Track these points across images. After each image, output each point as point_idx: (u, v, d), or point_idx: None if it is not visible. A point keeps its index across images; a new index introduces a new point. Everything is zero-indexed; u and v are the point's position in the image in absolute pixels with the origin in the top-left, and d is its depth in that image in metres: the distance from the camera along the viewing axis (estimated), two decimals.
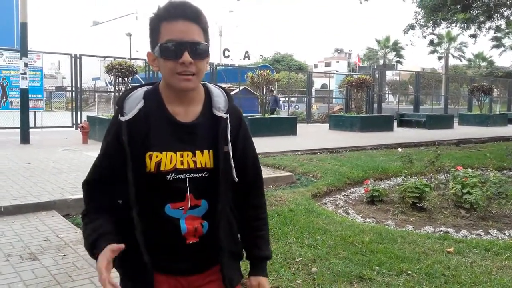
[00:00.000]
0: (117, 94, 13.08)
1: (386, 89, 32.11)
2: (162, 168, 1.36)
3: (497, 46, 48.46)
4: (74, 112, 16.12)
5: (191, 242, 1.41)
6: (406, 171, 7.49)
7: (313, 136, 15.41)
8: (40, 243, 4.15)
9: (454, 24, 14.33)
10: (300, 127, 16.39)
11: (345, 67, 73.01)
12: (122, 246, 1.29)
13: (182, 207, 1.39)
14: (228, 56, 45.38)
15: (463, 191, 5.85)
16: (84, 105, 27.77)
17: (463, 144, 14.30)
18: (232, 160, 1.43)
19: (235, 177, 1.44)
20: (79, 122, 15.07)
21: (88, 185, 1.47)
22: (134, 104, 1.38)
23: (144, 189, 1.37)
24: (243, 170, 1.50)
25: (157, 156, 1.35)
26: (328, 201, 6.33)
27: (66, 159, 8.66)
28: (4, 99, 14.30)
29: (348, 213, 5.69)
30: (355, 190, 7.08)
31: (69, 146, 10.84)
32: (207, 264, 1.47)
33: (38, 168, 7.51)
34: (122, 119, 1.36)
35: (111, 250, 1.27)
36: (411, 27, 14.49)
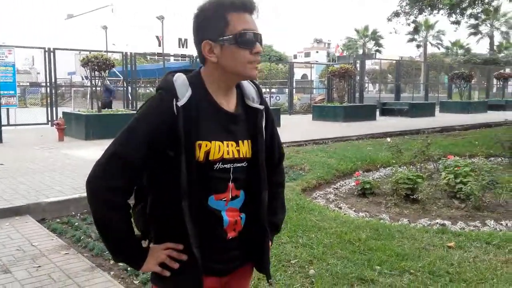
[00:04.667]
0: (93, 88, 12.61)
1: (366, 78, 32.06)
2: (210, 158, 1.34)
3: (475, 34, 49.04)
4: (49, 108, 15.54)
5: (231, 237, 1.42)
6: (395, 161, 7.34)
7: (297, 127, 15.20)
8: (12, 253, 3.80)
9: (437, 11, 14.22)
10: (283, 118, 16.17)
11: (324, 57, 72.94)
12: (180, 246, 1.36)
13: (225, 198, 1.39)
14: None
15: (456, 181, 5.70)
16: (60, 101, 27.01)
17: (446, 131, 14.29)
18: (264, 149, 1.46)
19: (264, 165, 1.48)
20: (54, 118, 14.52)
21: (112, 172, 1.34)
22: (184, 90, 1.33)
23: (192, 180, 1.32)
24: (271, 154, 1.56)
25: (206, 145, 1.33)
26: (318, 195, 6.11)
27: (42, 158, 8.24)
28: None
29: (340, 207, 5.47)
30: (345, 183, 6.87)
31: (44, 144, 10.37)
32: (242, 262, 1.50)
33: (11, 169, 7.09)
34: (179, 104, 1.30)
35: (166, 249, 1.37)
36: (396, 14, 14.34)
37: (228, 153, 1.37)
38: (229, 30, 1.31)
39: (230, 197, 1.40)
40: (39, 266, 3.51)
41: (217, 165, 1.36)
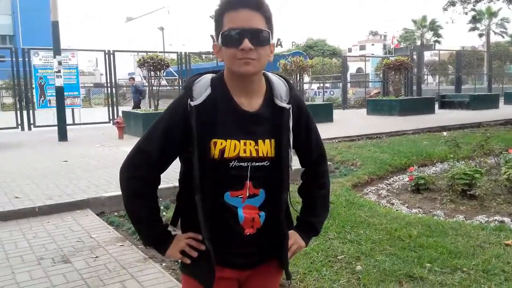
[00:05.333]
0: (151, 88, 13.07)
1: (425, 70, 30.92)
2: (226, 155, 1.37)
3: None
4: (110, 108, 16.30)
5: (248, 233, 1.44)
6: (452, 156, 7.05)
7: (351, 122, 14.97)
8: (73, 244, 4.06)
9: None
10: (336, 113, 15.97)
11: (380, 50, 71.07)
12: (199, 236, 1.41)
13: (241, 195, 1.42)
14: None
15: None
16: (122, 100, 28.19)
17: (510, 124, 13.51)
18: (291, 149, 1.46)
19: (291, 166, 1.47)
20: (115, 117, 15.22)
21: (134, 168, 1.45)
22: (203, 90, 1.39)
23: (207, 176, 1.37)
24: (307, 152, 1.58)
25: (221, 144, 1.37)
26: (369, 191, 6.01)
27: (102, 155, 8.68)
28: (43, 98, 14.61)
29: (392, 204, 5.35)
30: (398, 178, 6.70)
31: (105, 142, 10.91)
32: (262, 259, 1.50)
33: (74, 166, 7.53)
34: (192, 103, 1.37)
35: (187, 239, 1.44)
36: (452, 3, 13.72)
37: (245, 152, 1.39)
38: (222, 30, 1.37)
39: (248, 194, 1.42)
40: (97, 257, 3.73)
41: (232, 163, 1.38)
